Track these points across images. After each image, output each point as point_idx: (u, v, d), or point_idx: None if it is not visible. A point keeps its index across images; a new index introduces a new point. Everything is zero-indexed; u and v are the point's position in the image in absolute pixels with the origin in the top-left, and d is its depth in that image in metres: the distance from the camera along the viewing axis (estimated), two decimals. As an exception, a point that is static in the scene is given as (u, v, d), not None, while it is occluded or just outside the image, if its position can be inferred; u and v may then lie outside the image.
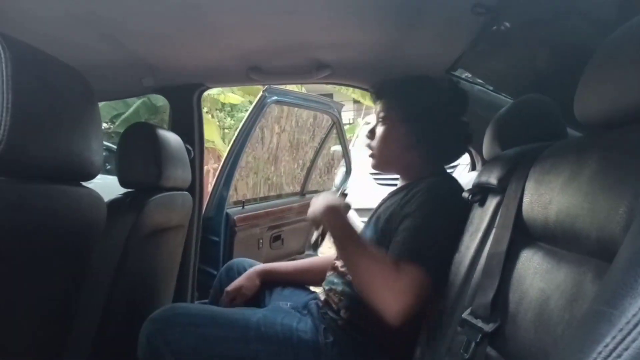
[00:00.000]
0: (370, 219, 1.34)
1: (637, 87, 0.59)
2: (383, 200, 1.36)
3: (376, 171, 1.46)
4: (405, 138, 1.30)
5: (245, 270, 1.58)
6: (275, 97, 2.35)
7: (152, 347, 1.15)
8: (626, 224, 0.50)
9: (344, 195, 1.30)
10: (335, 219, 1.17)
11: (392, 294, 1.03)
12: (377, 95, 1.38)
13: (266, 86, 2.29)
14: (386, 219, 1.22)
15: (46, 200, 0.78)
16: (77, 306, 1.05)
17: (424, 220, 1.12)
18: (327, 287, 1.29)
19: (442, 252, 1.08)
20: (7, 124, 0.69)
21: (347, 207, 1.24)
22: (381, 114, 1.34)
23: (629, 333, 0.30)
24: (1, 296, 0.77)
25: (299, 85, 5.36)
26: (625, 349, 0.30)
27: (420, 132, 1.30)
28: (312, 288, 1.56)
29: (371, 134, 1.36)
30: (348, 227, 1.16)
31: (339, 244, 1.16)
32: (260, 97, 2.27)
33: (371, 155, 1.37)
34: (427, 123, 1.29)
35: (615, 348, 0.30)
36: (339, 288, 1.24)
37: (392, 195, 1.33)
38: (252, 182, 2.78)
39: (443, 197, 1.19)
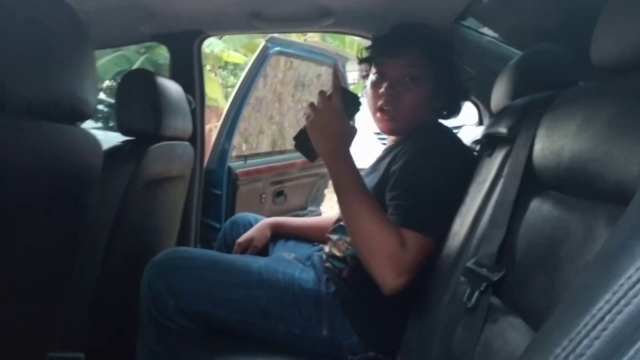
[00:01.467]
0: (367, 172, 1.30)
1: None
2: (381, 156, 1.32)
3: (388, 134, 1.35)
4: (432, 99, 1.25)
5: (249, 224, 1.57)
6: (278, 48, 2.29)
7: (154, 289, 1.15)
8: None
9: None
10: (344, 169, 1.09)
11: (394, 271, 1.01)
12: (397, 46, 1.23)
13: (268, 36, 2.23)
14: (385, 173, 1.18)
15: (37, 137, 0.75)
16: (76, 255, 1.04)
17: (428, 181, 1.09)
18: (335, 237, 1.28)
19: (446, 211, 1.06)
20: None
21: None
22: (411, 71, 1.21)
23: None
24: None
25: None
26: None
27: (443, 90, 1.25)
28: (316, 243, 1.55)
29: (397, 93, 1.22)
30: (358, 182, 1.09)
31: (343, 198, 1.10)
32: (263, 47, 2.21)
33: (391, 119, 1.24)
34: (450, 80, 1.26)
35: (639, 280, 0.28)
36: (348, 237, 1.23)
37: (390, 149, 1.28)
38: (255, 121, 2.72)
39: (445, 152, 1.16)
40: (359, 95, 1.26)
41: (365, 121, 1.40)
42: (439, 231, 1.05)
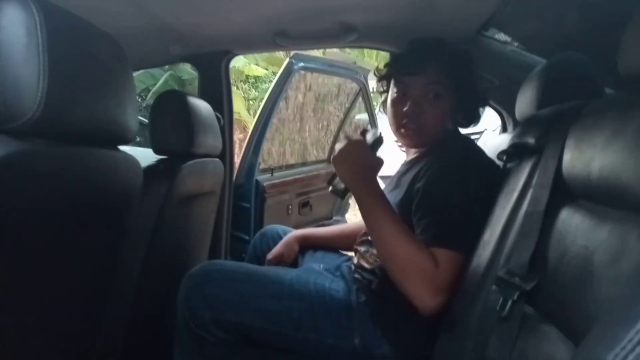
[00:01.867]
0: (389, 189, 1.31)
1: None
2: (402, 170, 1.34)
3: (410, 148, 1.36)
4: (454, 111, 1.28)
5: (278, 236, 1.60)
6: (302, 64, 2.33)
7: (191, 302, 1.18)
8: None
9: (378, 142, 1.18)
10: (369, 196, 1.11)
11: (429, 291, 1.02)
12: (418, 65, 1.24)
13: (292, 53, 2.27)
14: (410, 190, 1.18)
15: (84, 163, 0.80)
16: (115, 270, 1.08)
17: (454, 196, 1.09)
18: (362, 249, 1.29)
19: (475, 224, 1.06)
20: (45, 88, 0.70)
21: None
22: (433, 88, 1.23)
23: None
24: (45, 259, 0.80)
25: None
26: None
27: (464, 102, 1.28)
28: (344, 252, 1.57)
29: (420, 111, 1.24)
30: (385, 207, 1.10)
31: (370, 220, 1.11)
32: (287, 63, 2.26)
33: (415, 135, 1.26)
34: (470, 91, 1.28)
35: None
36: (375, 250, 1.24)
37: (412, 164, 1.29)
38: (278, 142, 2.78)
39: (470, 164, 1.17)
40: (377, 110, 1.31)
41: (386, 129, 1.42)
42: (469, 245, 1.04)
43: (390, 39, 1.70)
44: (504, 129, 1.93)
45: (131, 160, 0.97)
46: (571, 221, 0.76)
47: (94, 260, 0.95)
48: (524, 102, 1.35)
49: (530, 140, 0.98)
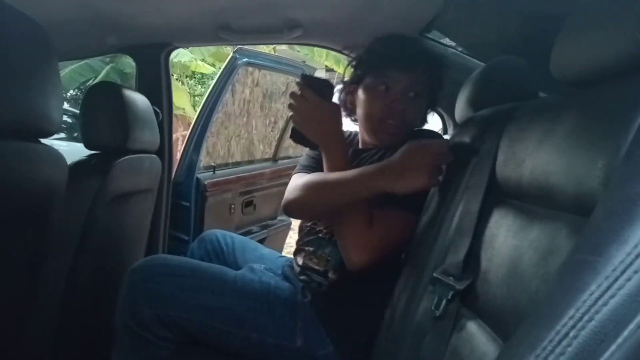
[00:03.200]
0: None
1: (617, 43, 0.58)
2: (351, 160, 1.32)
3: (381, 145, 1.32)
4: (423, 112, 1.33)
5: (217, 240, 1.56)
6: (246, 59, 2.28)
7: (131, 297, 1.14)
8: (605, 179, 0.50)
9: None
10: (338, 152, 1.12)
11: (355, 247, 1.07)
12: (411, 62, 1.24)
13: (237, 47, 2.22)
14: None
15: (1, 156, 0.74)
16: (41, 272, 1.02)
17: None
18: (311, 249, 1.28)
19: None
20: None
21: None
22: (417, 88, 1.24)
23: (615, 280, 0.30)
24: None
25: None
26: (612, 297, 0.29)
27: (430, 104, 1.33)
28: (283, 253, 1.55)
29: (402, 108, 1.24)
30: (345, 156, 1.14)
31: (331, 170, 1.12)
32: (231, 58, 2.21)
33: (395, 133, 1.25)
34: (436, 94, 1.33)
35: (601, 296, 0.30)
36: (327, 249, 1.23)
37: (367, 155, 1.29)
38: (223, 138, 2.71)
39: None
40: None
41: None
42: (411, 206, 1.09)
43: (335, 37, 1.70)
44: (445, 131, 1.97)
45: (54, 155, 0.90)
46: (503, 221, 0.77)
47: (11, 268, 0.88)
48: (463, 104, 1.38)
49: (467, 141, 0.99)
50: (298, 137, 1.17)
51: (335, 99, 1.23)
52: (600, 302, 0.30)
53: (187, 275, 1.18)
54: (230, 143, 2.84)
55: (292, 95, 1.13)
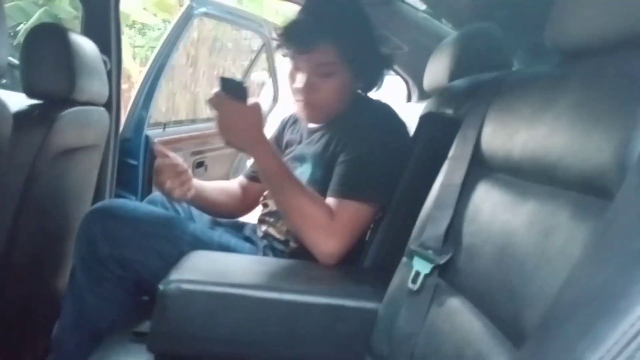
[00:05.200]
0: (295, 159, 1.27)
1: (623, 10, 0.55)
2: (304, 141, 1.28)
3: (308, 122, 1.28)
4: (352, 83, 1.21)
5: (170, 203, 1.47)
6: (203, 9, 2.14)
7: (89, 234, 1.09)
8: (621, 157, 0.47)
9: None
10: (266, 155, 1.08)
11: (320, 239, 1.05)
12: (306, 41, 1.14)
13: (193, -4, 2.07)
14: (321, 165, 1.17)
15: None
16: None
17: (363, 155, 1.10)
18: (271, 220, 1.24)
19: (389, 178, 1.09)
20: None
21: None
22: (322, 68, 1.15)
23: None
24: None
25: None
26: None
27: (363, 72, 1.21)
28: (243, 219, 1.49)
29: (314, 89, 1.16)
30: (277, 158, 1.10)
31: (271, 183, 1.10)
32: (187, 7, 2.05)
33: (312, 110, 1.20)
34: (369, 60, 1.20)
35: None
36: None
37: (317, 134, 1.25)
38: (167, 90, 2.56)
39: (374, 128, 1.16)
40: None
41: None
42: (376, 193, 1.08)
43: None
44: (409, 98, 1.94)
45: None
46: (488, 195, 0.75)
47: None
48: (435, 72, 1.35)
49: (448, 111, 0.96)
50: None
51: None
52: None
53: (147, 220, 1.14)
54: (175, 98, 2.70)
55: (211, 102, 1.07)
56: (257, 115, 1.07)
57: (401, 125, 1.21)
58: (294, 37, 1.16)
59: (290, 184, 1.07)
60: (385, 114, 1.22)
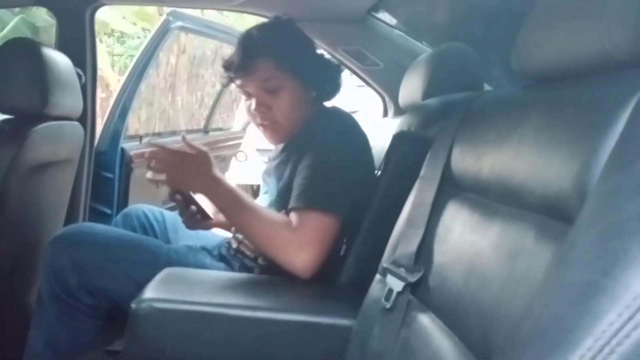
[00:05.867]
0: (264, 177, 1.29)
1: (591, 41, 0.57)
2: (276, 159, 1.29)
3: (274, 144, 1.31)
4: (305, 93, 1.21)
5: (144, 216, 1.46)
6: (180, 23, 2.13)
7: (56, 267, 1.07)
8: (580, 182, 0.48)
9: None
10: (216, 190, 1.07)
11: (289, 253, 1.04)
12: (244, 64, 1.17)
13: (170, 10, 2.07)
14: (283, 178, 1.18)
15: None
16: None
17: (320, 163, 1.10)
18: (241, 236, 1.23)
19: (350, 189, 1.09)
20: None
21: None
22: (267, 85, 1.17)
23: (638, 310, 0.28)
24: None
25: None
26: (634, 328, 0.27)
27: (312, 80, 1.21)
28: (220, 232, 1.48)
29: (266, 108, 1.18)
30: (232, 193, 1.08)
31: (228, 215, 1.11)
32: (164, 21, 2.04)
33: (273, 128, 1.21)
34: (315, 68, 1.22)
35: (622, 327, 0.28)
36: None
37: (284, 151, 1.26)
38: (146, 115, 2.54)
39: (338, 133, 1.16)
40: None
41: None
42: (336, 204, 1.07)
43: (279, 8, 1.62)
44: (385, 113, 1.96)
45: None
46: (458, 215, 0.76)
47: None
48: (409, 90, 1.37)
49: (419, 130, 0.98)
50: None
51: None
52: (622, 334, 0.28)
53: (117, 246, 1.12)
54: (153, 111, 2.67)
55: (152, 158, 1.09)
56: (207, 162, 1.07)
57: (361, 135, 1.21)
58: (234, 64, 1.19)
59: (244, 210, 1.07)
60: (345, 124, 1.22)
